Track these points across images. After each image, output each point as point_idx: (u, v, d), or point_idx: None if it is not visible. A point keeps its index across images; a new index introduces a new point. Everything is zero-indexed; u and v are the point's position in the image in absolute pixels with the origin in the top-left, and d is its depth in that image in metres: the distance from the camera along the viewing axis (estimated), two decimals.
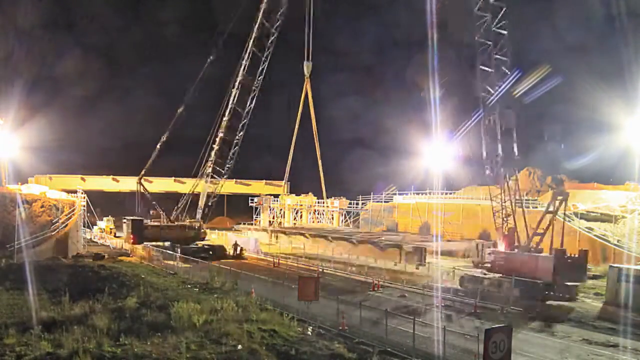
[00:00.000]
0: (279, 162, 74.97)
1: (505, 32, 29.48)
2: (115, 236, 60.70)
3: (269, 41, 43.72)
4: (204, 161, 46.12)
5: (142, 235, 44.86)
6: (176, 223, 47.07)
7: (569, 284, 27.53)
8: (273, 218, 69.78)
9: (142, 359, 14.77)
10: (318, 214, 68.80)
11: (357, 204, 68.97)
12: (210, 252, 43.86)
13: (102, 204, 64.07)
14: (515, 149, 30.58)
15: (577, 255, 28.21)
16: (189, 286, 28.05)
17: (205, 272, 31.14)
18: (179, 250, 40.54)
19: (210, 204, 47.13)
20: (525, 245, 29.81)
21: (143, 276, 30.40)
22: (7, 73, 57.47)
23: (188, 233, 46.31)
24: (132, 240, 44.93)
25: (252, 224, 70.31)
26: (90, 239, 56.75)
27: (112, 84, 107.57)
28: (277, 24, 43.47)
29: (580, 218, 43.86)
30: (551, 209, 29.21)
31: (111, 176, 56.08)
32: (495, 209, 31.19)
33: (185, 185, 55.70)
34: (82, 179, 55.10)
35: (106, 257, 41.51)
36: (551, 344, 19.25)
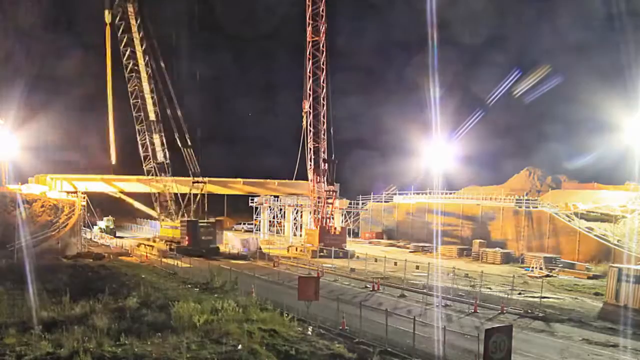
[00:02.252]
0: (280, 161, 74.60)
1: None
2: (115, 236, 60.71)
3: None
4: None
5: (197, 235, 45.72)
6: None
7: (334, 248, 43.34)
8: (273, 218, 69.60)
9: (142, 359, 14.77)
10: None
11: (357, 204, 68.93)
12: (204, 251, 44.42)
13: (102, 203, 64.06)
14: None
15: (338, 233, 48.77)
16: (189, 286, 28.01)
17: (205, 272, 31.11)
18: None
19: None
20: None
21: (143, 276, 30.39)
22: (7, 73, 57.52)
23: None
24: (187, 241, 45.62)
25: (252, 224, 70.17)
26: (91, 238, 56.74)
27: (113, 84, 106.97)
28: None
29: (580, 218, 43.82)
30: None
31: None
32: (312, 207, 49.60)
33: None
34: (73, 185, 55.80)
35: (106, 257, 41.53)
36: (551, 344, 19.25)
